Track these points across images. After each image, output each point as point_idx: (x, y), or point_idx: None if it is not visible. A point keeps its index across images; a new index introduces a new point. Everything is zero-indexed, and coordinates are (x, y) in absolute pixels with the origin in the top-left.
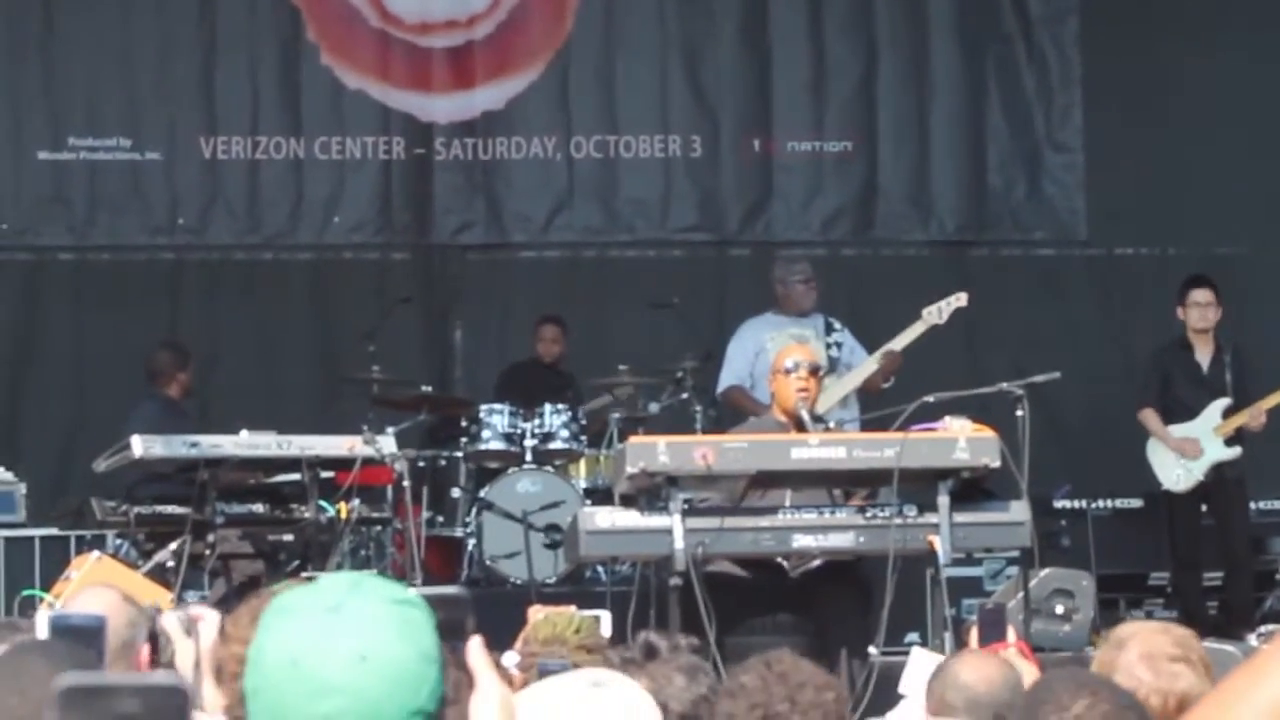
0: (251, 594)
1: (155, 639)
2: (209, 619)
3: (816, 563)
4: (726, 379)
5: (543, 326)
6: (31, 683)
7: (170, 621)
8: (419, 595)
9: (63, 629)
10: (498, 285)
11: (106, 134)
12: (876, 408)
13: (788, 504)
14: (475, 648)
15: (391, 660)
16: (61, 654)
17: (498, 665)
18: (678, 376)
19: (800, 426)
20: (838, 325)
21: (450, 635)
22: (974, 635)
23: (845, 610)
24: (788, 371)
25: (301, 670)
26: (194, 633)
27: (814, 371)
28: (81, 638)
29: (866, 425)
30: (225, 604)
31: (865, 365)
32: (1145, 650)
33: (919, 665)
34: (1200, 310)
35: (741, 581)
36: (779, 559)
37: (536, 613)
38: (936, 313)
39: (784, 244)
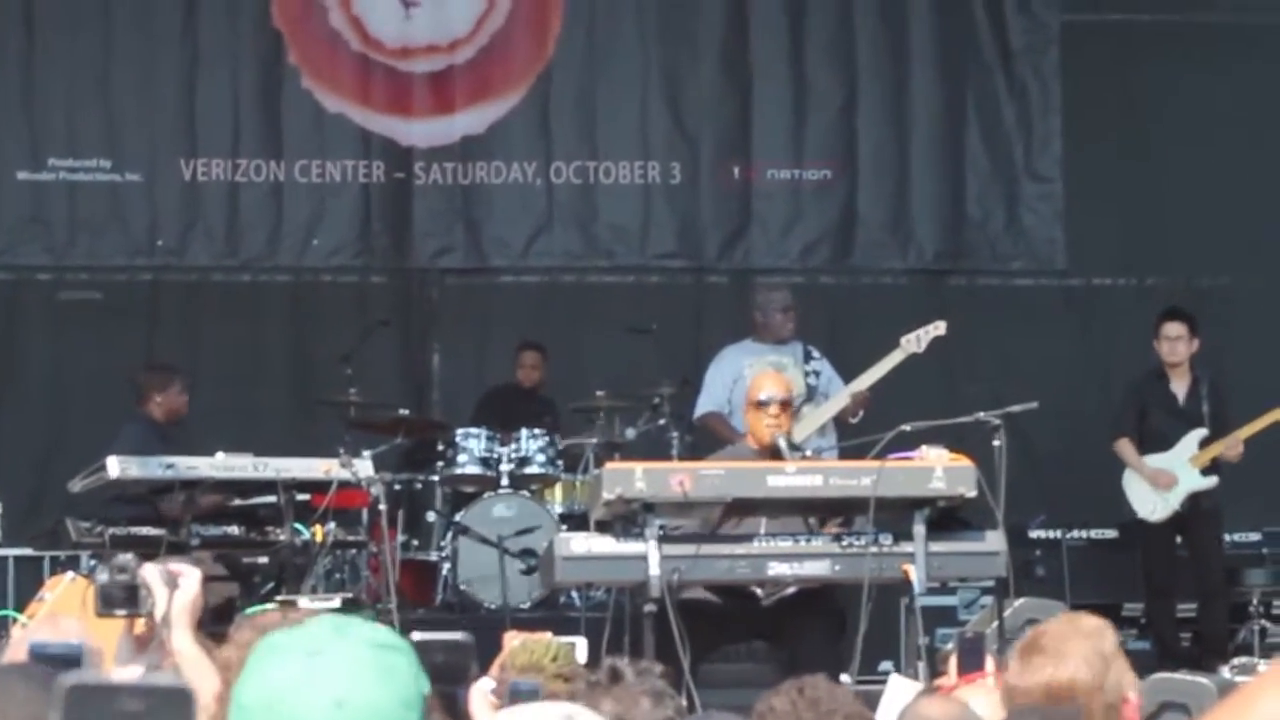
0: (225, 617)
1: (137, 589)
2: (189, 574)
3: (790, 590)
4: (705, 405)
5: (523, 353)
6: (11, 704)
7: (151, 573)
8: (415, 640)
9: (41, 657)
10: (476, 309)
11: (86, 155)
12: (854, 436)
13: (763, 531)
14: (477, 695)
15: (369, 706)
16: (41, 678)
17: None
18: (654, 402)
19: (776, 455)
20: (816, 354)
21: (453, 680)
22: (953, 664)
23: (819, 638)
24: (760, 405)
25: (278, 713)
26: (174, 585)
27: (784, 405)
28: (60, 665)
29: (844, 453)
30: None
31: (838, 398)
32: (1026, 643)
33: (896, 693)
34: (1170, 344)
35: (716, 608)
36: (752, 587)
37: (512, 639)
38: (915, 341)
39: (762, 271)
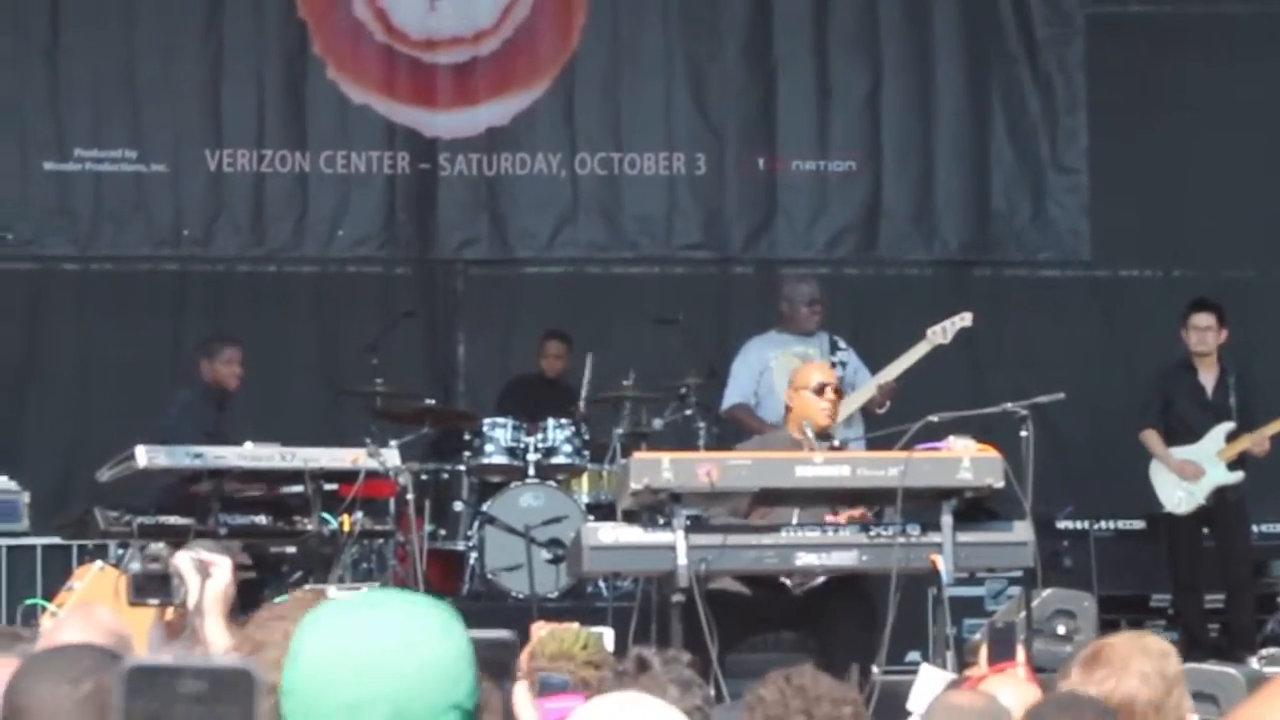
0: (249, 605)
1: (169, 578)
2: (221, 563)
3: (820, 580)
4: (731, 396)
5: (548, 342)
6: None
7: (184, 561)
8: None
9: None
10: (501, 300)
11: (112, 145)
12: (882, 427)
13: (794, 521)
14: (520, 692)
15: (433, 652)
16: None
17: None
18: (681, 393)
19: (825, 439)
20: (842, 344)
21: (496, 675)
22: (983, 653)
23: (849, 628)
24: (816, 391)
25: (346, 651)
26: (206, 574)
27: (839, 392)
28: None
29: (872, 444)
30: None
31: (865, 389)
32: (1089, 654)
33: (927, 682)
34: (1199, 334)
35: (744, 599)
36: (782, 577)
37: (540, 628)
38: (941, 332)
39: (787, 262)
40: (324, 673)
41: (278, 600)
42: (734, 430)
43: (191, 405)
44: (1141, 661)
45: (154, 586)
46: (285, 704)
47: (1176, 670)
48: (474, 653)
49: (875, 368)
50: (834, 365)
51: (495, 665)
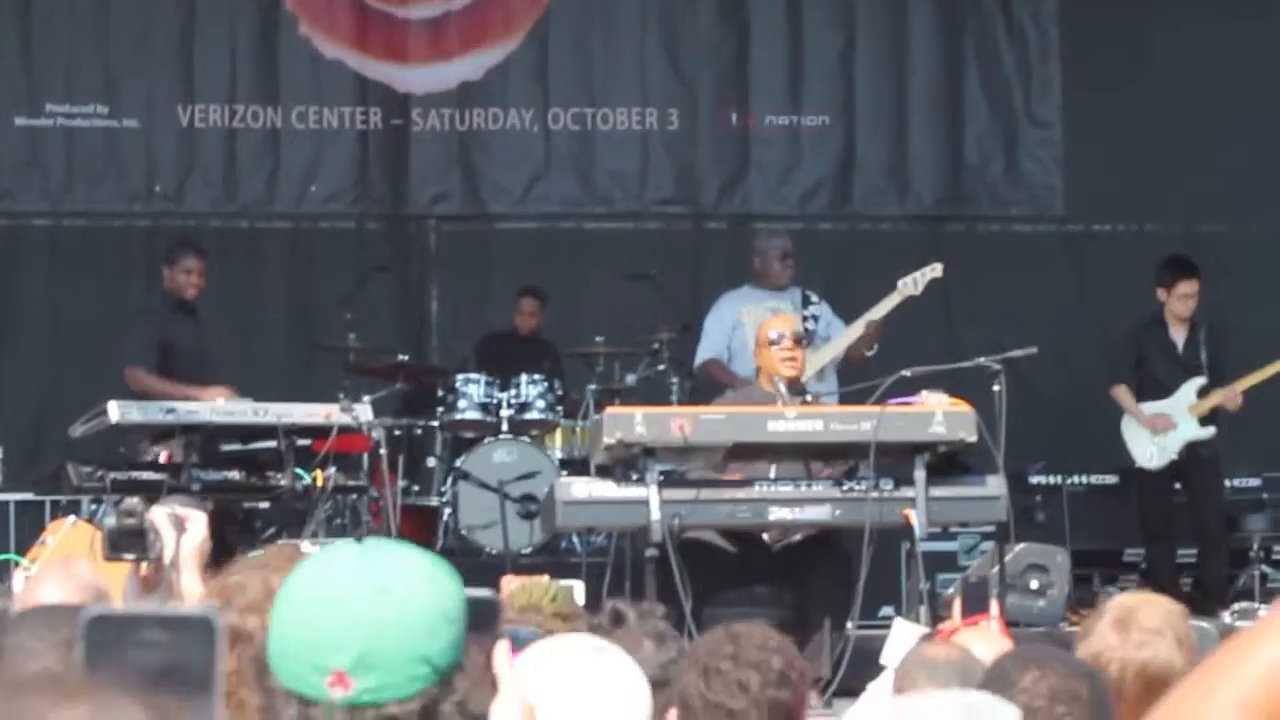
0: (220, 560)
1: (145, 533)
2: (196, 518)
3: (798, 536)
4: (704, 352)
5: (521, 299)
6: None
7: (159, 516)
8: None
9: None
10: (474, 256)
11: (84, 101)
12: (854, 381)
13: (771, 476)
14: (501, 652)
15: (413, 601)
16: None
17: None
18: (654, 348)
19: (796, 390)
20: (814, 298)
21: (477, 633)
22: (956, 607)
23: (825, 583)
24: (772, 343)
25: (325, 589)
26: (181, 529)
27: (796, 341)
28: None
29: (844, 399)
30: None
31: (847, 333)
32: (1119, 616)
33: (900, 636)
34: (1184, 301)
35: (719, 553)
36: (760, 533)
37: (510, 582)
38: (912, 283)
39: (761, 217)
40: (301, 607)
41: (251, 555)
42: (707, 385)
43: (151, 309)
44: (1178, 626)
45: (129, 541)
46: (271, 633)
47: (1196, 638)
48: (462, 613)
49: (849, 321)
50: (806, 319)
51: (477, 624)
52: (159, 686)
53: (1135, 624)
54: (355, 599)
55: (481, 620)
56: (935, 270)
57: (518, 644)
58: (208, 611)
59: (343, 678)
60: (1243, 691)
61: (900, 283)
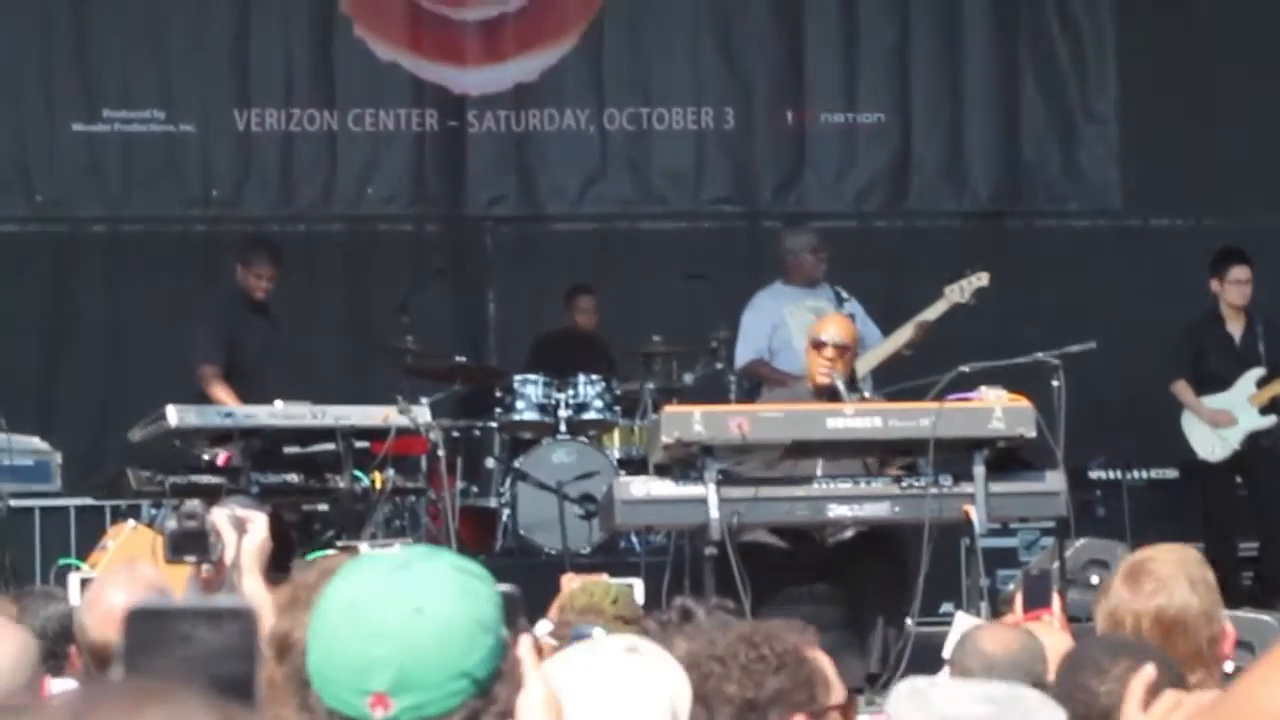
0: (281, 563)
1: (206, 535)
2: (257, 520)
3: (849, 533)
4: (744, 353)
5: (579, 297)
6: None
7: (220, 518)
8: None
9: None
10: (530, 257)
11: (140, 106)
12: (912, 378)
13: (819, 473)
14: (525, 646)
15: (446, 618)
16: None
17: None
18: (712, 347)
19: (834, 397)
20: (846, 295)
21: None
22: (1018, 601)
23: (882, 579)
24: (818, 345)
25: (359, 613)
26: (242, 530)
27: (841, 350)
28: None
29: (904, 394)
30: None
31: (899, 334)
32: (1130, 569)
33: (961, 629)
34: (1239, 288)
35: (777, 551)
36: (817, 530)
37: (571, 580)
38: (959, 291)
39: (817, 215)
40: (337, 632)
41: (310, 557)
42: (753, 385)
43: (220, 307)
44: (1191, 569)
45: (191, 543)
46: (309, 652)
47: (1213, 578)
48: (498, 616)
49: (902, 320)
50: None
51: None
52: (201, 679)
53: (1147, 574)
54: (389, 621)
55: (504, 612)
56: (982, 279)
57: (580, 641)
58: (246, 605)
59: (383, 699)
60: None
61: (947, 289)
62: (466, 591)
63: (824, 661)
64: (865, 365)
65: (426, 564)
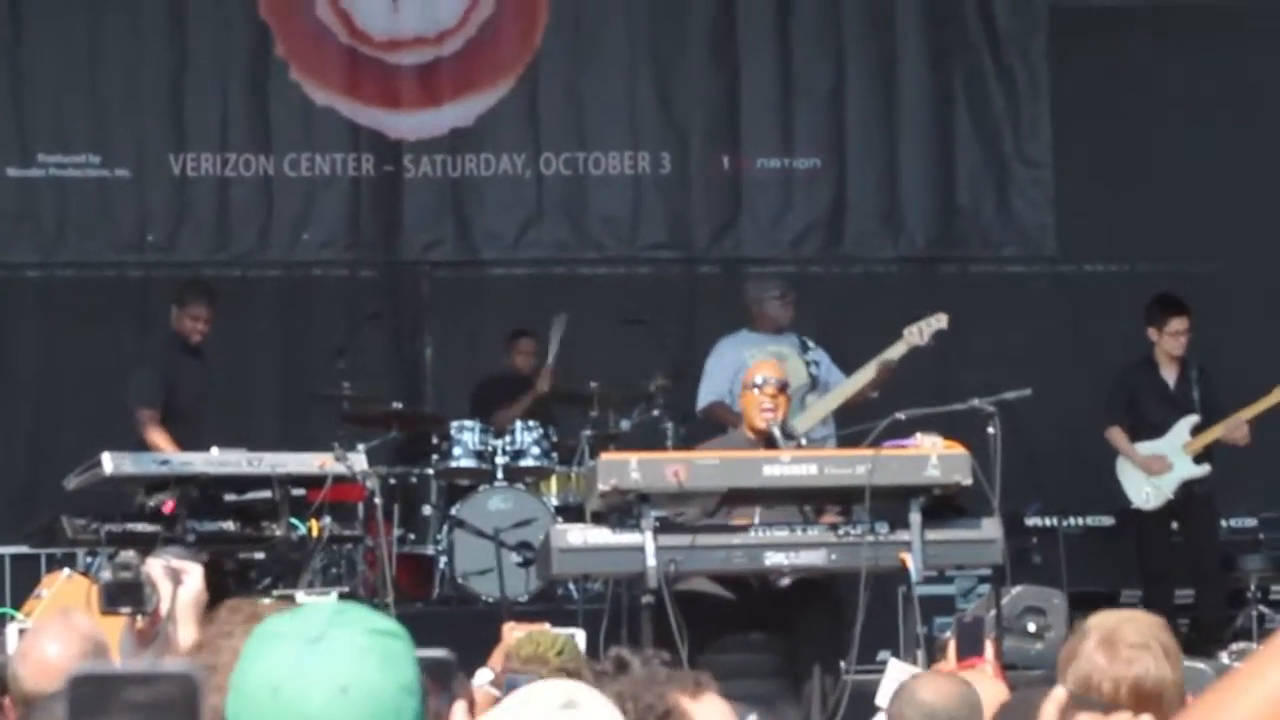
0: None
1: (141, 586)
2: (192, 571)
3: (786, 580)
4: (706, 395)
5: (520, 340)
6: None
7: (156, 569)
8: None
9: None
10: (467, 302)
11: (75, 150)
12: (848, 425)
13: (757, 521)
14: (459, 712)
15: (371, 692)
16: None
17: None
18: (649, 393)
19: (770, 443)
20: (812, 344)
21: (436, 692)
22: (951, 649)
23: (818, 627)
24: (756, 387)
25: (282, 700)
26: (177, 581)
27: (781, 389)
28: None
29: (842, 441)
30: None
31: (858, 376)
32: (1103, 636)
33: (895, 677)
34: (1177, 339)
35: (714, 599)
36: (755, 578)
37: (513, 629)
38: (917, 333)
39: (753, 261)
40: (262, 714)
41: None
42: (703, 430)
43: (157, 351)
44: (1162, 637)
45: (126, 595)
46: None
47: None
48: (418, 678)
49: (843, 366)
50: (808, 364)
51: (435, 684)
52: None
53: (1121, 641)
54: (314, 704)
55: (438, 679)
56: (940, 321)
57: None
58: (190, 669)
59: None
60: (1259, 703)
61: (905, 331)
62: (387, 658)
63: (710, 712)
64: (815, 415)
65: (341, 631)
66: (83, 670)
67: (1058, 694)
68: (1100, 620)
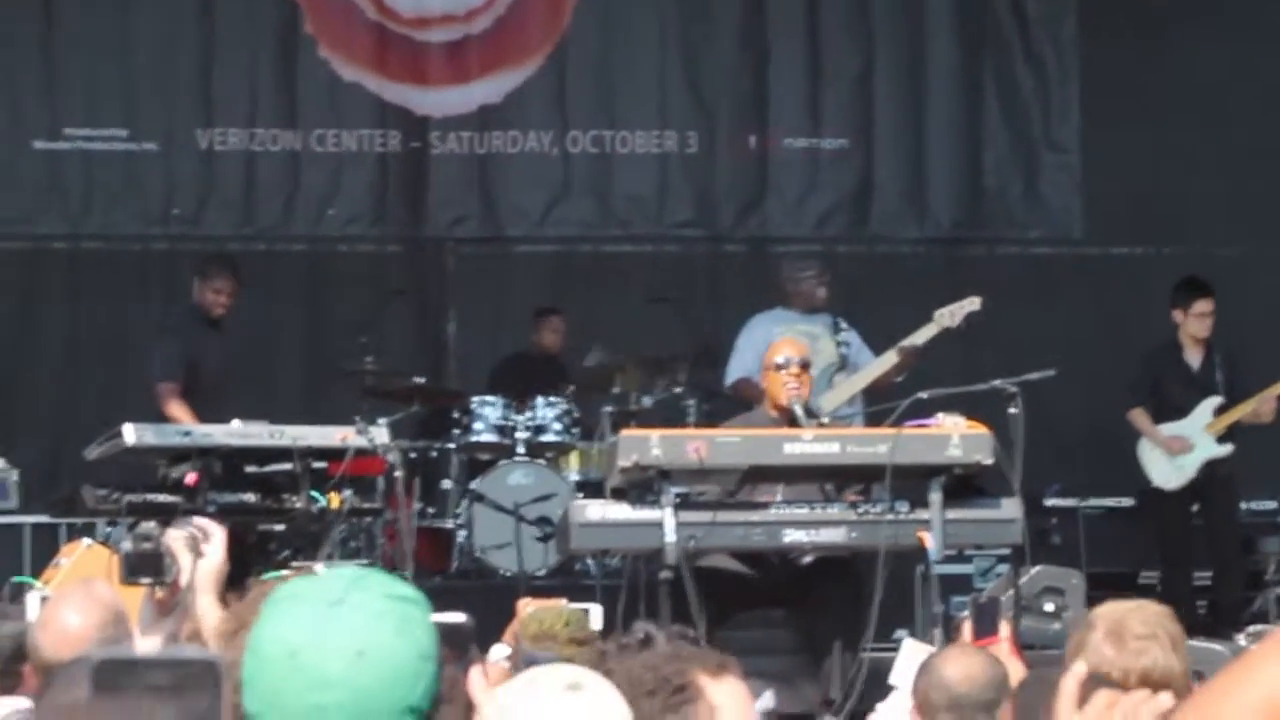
0: (236, 582)
1: (161, 557)
2: (214, 540)
3: (808, 558)
4: (735, 371)
5: (550, 317)
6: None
7: (176, 540)
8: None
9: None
10: (492, 279)
11: (103, 124)
12: (871, 404)
13: (778, 498)
14: (476, 677)
15: (388, 657)
16: None
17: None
18: (672, 371)
19: (793, 422)
20: (844, 324)
21: (452, 660)
22: (967, 628)
23: (837, 605)
24: (779, 367)
25: (299, 662)
26: (198, 552)
27: (804, 367)
28: None
29: (869, 420)
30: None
31: (883, 359)
32: (1110, 627)
33: (909, 656)
34: (1202, 320)
35: (733, 576)
36: (775, 555)
37: (525, 605)
38: (949, 315)
39: (779, 240)
40: (279, 682)
41: (265, 577)
42: (725, 407)
43: (178, 326)
44: (1170, 627)
45: (146, 565)
46: (245, 694)
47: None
48: (436, 644)
49: (869, 345)
50: (839, 345)
51: (451, 649)
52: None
53: (1129, 632)
54: (332, 667)
55: (455, 645)
56: (974, 304)
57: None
58: (213, 656)
59: None
60: (1256, 701)
61: (936, 314)
62: (405, 623)
63: (727, 695)
64: (841, 395)
65: (360, 595)
66: (105, 654)
67: (1078, 669)
68: (1107, 611)
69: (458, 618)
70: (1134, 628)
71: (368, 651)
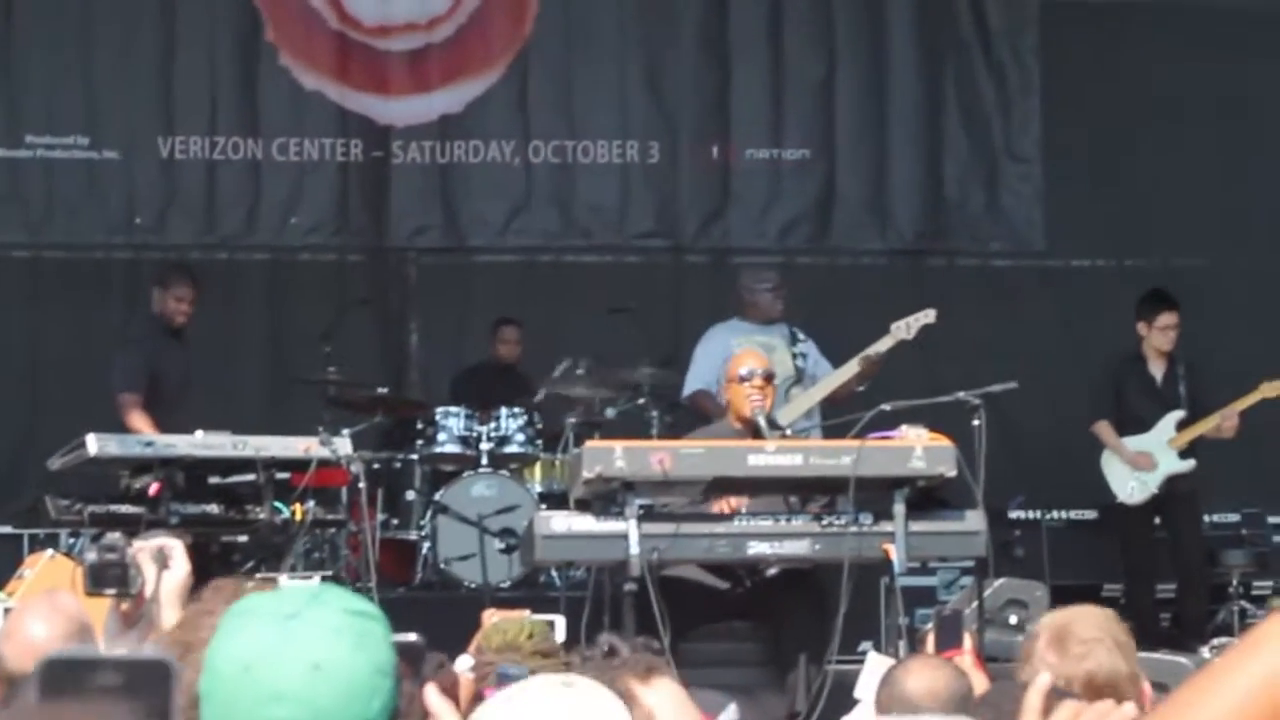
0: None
1: (126, 568)
2: (178, 553)
3: (773, 570)
4: (693, 383)
5: (504, 328)
6: None
7: (141, 551)
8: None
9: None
10: (454, 288)
11: (64, 132)
12: (834, 416)
13: (744, 510)
14: (431, 693)
15: (344, 671)
16: None
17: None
18: (634, 382)
19: (756, 434)
20: (802, 335)
21: (406, 678)
22: (930, 640)
23: (802, 618)
24: (742, 379)
25: (254, 676)
26: (163, 564)
27: (768, 379)
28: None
29: (825, 432)
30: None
31: (844, 369)
32: (1053, 635)
33: (874, 669)
34: (1166, 334)
35: (698, 587)
36: (739, 567)
37: (490, 616)
38: (905, 328)
39: (741, 251)
40: (233, 697)
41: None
42: (687, 419)
43: (140, 336)
44: (1114, 630)
45: (111, 577)
46: (202, 709)
47: (1129, 635)
48: (393, 659)
49: (830, 356)
50: (795, 356)
51: (405, 665)
52: None
53: (1071, 637)
54: (287, 681)
55: (409, 662)
56: (928, 316)
57: (508, 681)
58: (164, 656)
59: None
60: (1231, 704)
61: (893, 326)
62: (361, 637)
63: (660, 697)
64: (799, 408)
65: (317, 611)
66: (56, 654)
67: (1042, 681)
68: (1050, 619)
69: (409, 637)
70: (1077, 633)
71: (323, 666)
